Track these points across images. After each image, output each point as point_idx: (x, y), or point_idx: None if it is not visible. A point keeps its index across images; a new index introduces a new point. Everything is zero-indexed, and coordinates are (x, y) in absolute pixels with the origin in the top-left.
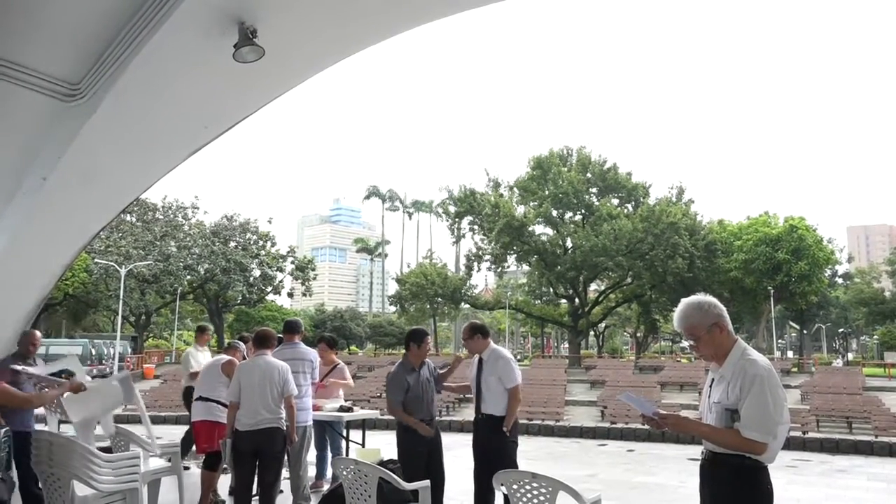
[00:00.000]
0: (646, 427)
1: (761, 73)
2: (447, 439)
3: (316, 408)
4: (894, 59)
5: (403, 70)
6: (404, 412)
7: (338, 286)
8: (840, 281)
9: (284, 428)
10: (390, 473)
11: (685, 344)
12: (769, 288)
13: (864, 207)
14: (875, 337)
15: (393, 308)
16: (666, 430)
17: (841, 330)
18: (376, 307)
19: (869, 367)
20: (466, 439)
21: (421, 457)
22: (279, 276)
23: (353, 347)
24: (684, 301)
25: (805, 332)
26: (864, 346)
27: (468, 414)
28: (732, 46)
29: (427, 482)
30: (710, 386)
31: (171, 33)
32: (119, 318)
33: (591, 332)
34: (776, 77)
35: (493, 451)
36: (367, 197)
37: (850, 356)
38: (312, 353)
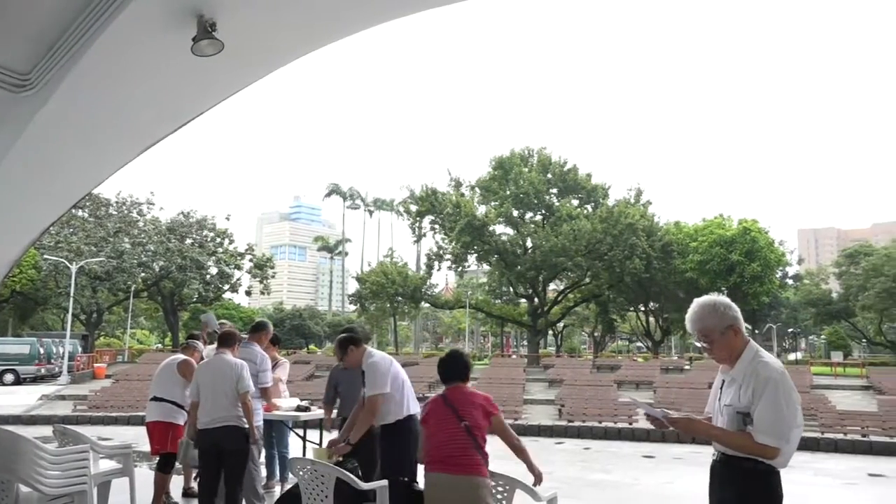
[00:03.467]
0: (601, 425)
1: (717, 78)
2: None
3: (272, 408)
4: (844, 69)
5: (366, 68)
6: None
7: (297, 284)
8: (790, 282)
9: (245, 425)
10: (348, 473)
11: (640, 344)
12: (723, 288)
13: (814, 211)
14: (822, 337)
15: (353, 307)
16: (670, 429)
17: (790, 330)
18: (336, 306)
19: (816, 365)
20: None
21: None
22: (237, 273)
23: (311, 346)
24: (698, 302)
25: (757, 331)
26: (812, 345)
27: None
28: (689, 52)
29: (385, 482)
30: (721, 388)
31: (126, 24)
32: (69, 316)
33: (550, 332)
34: (731, 82)
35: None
36: (328, 195)
37: (799, 355)
38: (257, 356)
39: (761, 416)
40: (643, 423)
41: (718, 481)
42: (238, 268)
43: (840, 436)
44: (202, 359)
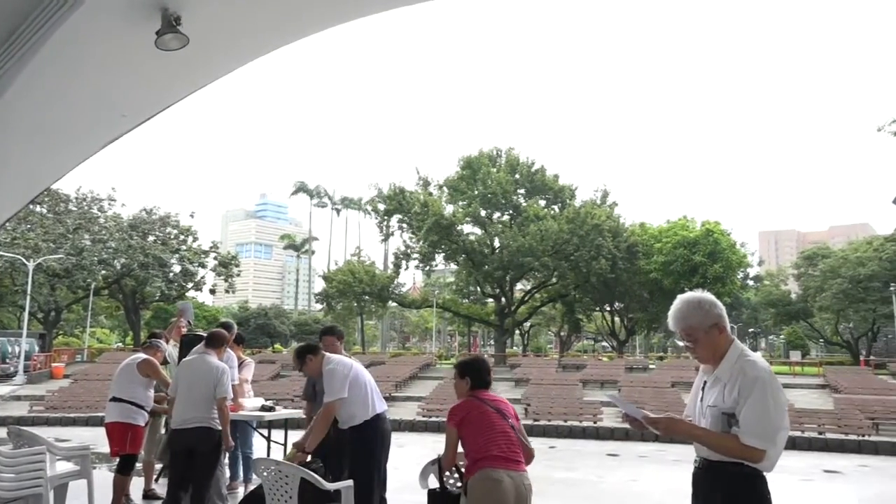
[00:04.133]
0: (567, 424)
1: (682, 82)
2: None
3: (237, 408)
4: (804, 77)
5: (334, 65)
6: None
7: (263, 283)
8: (751, 283)
9: (219, 428)
10: (312, 474)
11: (605, 343)
12: (686, 289)
13: (775, 214)
14: (781, 336)
15: (319, 306)
16: (649, 431)
17: (751, 330)
18: (302, 305)
19: (776, 365)
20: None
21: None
22: (201, 272)
23: (277, 346)
24: (682, 299)
25: None
26: (771, 345)
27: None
28: (654, 56)
29: (350, 482)
30: (703, 389)
31: (87, 16)
32: (26, 315)
33: (517, 331)
34: (695, 87)
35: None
36: (295, 192)
37: (759, 354)
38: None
39: (748, 417)
40: (608, 422)
41: (702, 489)
42: (202, 266)
43: (798, 433)
44: (165, 359)
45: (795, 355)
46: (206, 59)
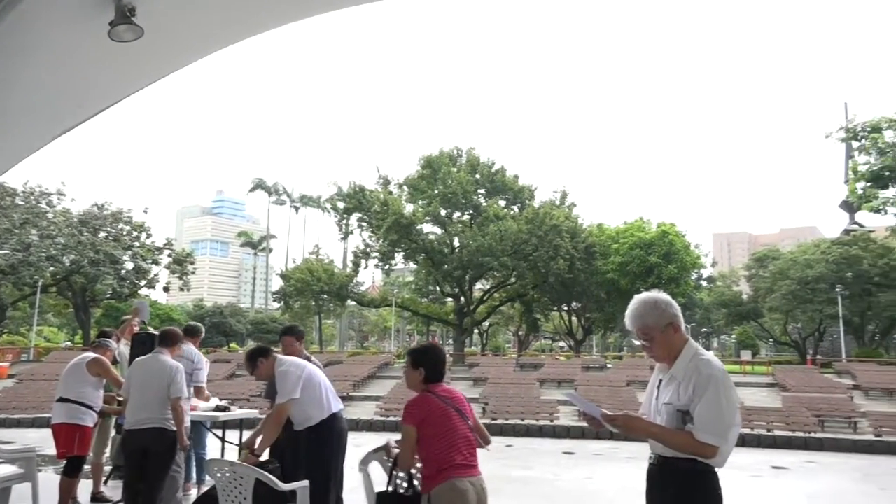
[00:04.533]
0: (524, 423)
1: (638, 86)
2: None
3: (192, 408)
4: (757, 82)
5: (294, 61)
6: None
7: (219, 281)
8: (704, 284)
9: (171, 429)
10: (267, 474)
11: (563, 343)
12: (642, 289)
13: (728, 217)
14: (733, 336)
15: (276, 304)
16: (606, 429)
17: (704, 329)
18: (259, 303)
19: (727, 364)
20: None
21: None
22: (154, 269)
23: (233, 345)
24: (638, 299)
25: None
26: (723, 344)
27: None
28: (611, 59)
29: (306, 483)
30: (658, 387)
31: (37, 3)
32: None
33: (476, 331)
34: (651, 91)
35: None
36: (253, 189)
37: (712, 353)
38: (194, 354)
39: (702, 414)
40: (564, 421)
41: (657, 485)
42: (156, 263)
43: (747, 431)
44: (115, 358)
45: (746, 355)
46: (162, 52)
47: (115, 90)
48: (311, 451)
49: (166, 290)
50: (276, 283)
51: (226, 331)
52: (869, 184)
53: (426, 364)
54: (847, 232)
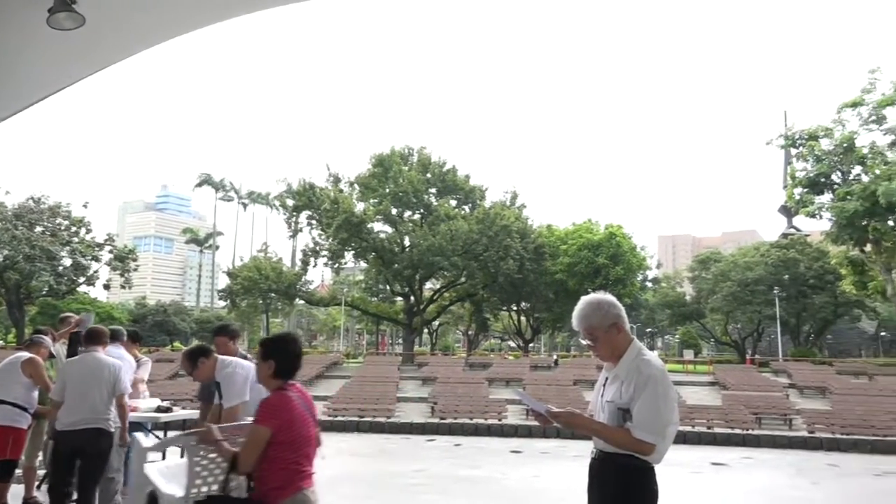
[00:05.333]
0: (472, 422)
1: (587, 92)
2: None
3: (131, 409)
4: (703, 91)
5: (245, 55)
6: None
7: (162, 278)
8: (649, 285)
9: (112, 429)
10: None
11: (512, 342)
12: (589, 290)
13: (674, 219)
14: (676, 336)
15: (223, 303)
16: (553, 426)
17: (649, 329)
18: (204, 302)
19: (670, 363)
20: None
21: None
22: (94, 265)
23: (176, 344)
24: (584, 300)
25: None
26: (667, 344)
27: None
28: (562, 62)
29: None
30: (604, 385)
31: None
32: None
33: (426, 330)
34: (601, 97)
35: None
36: (199, 185)
37: (656, 353)
38: (128, 357)
39: (640, 413)
40: (512, 420)
41: (597, 479)
42: (96, 259)
43: (689, 428)
44: (51, 355)
45: (688, 354)
46: (104, 41)
47: (54, 80)
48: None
49: (107, 287)
50: (223, 281)
51: (169, 329)
52: (806, 190)
53: (277, 356)
54: (785, 236)
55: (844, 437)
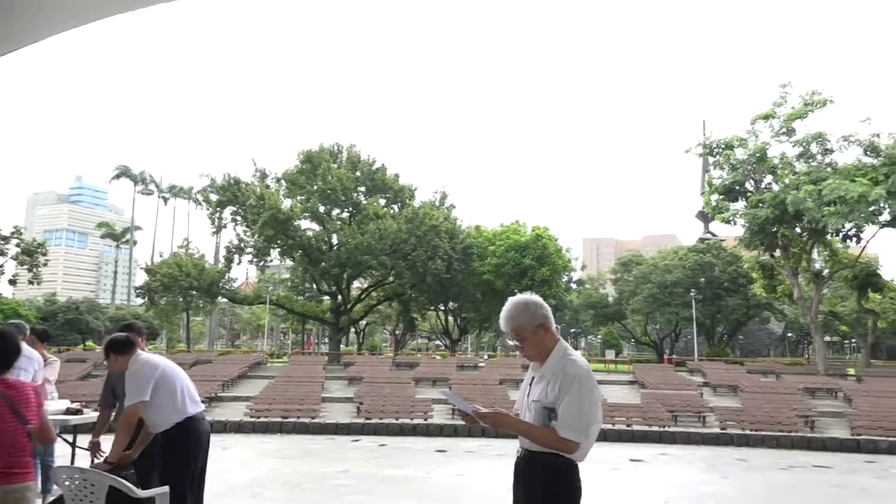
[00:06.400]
0: (398, 422)
1: (513, 96)
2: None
3: None
4: (626, 97)
5: (171, 43)
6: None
7: (75, 274)
8: (574, 286)
9: None
10: (122, 481)
11: (439, 342)
12: (516, 291)
13: (598, 222)
14: (599, 336)
15: (140, 300)
16: (479, 425)
17: (573, 330)
18: (121, 299)
19: (593, 362)
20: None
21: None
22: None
23: (89, 342)
24: (512, 301)
25: None
26: (590, 344)
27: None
28: (490, 66)
29: (166, 488)
30: (530, 384)
31: None
32: None
33: (353, 329)
34: (527, 102)
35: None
36: (117, 177)
37: (580, 353)
38: (36, 354)
39: (565, 412)
40: (438, 419)
41: (522, 477)
42: (1, 253)
43: (609, 426)
44: None
45: (610, 354)
46: (11, 25)
47: None
48: (166, 455)
49: (12, 282)
50: (141, 278)
51: (81, 328)
52: (722, 196)
53: None
54: (702, 240)
55: (753, 433)
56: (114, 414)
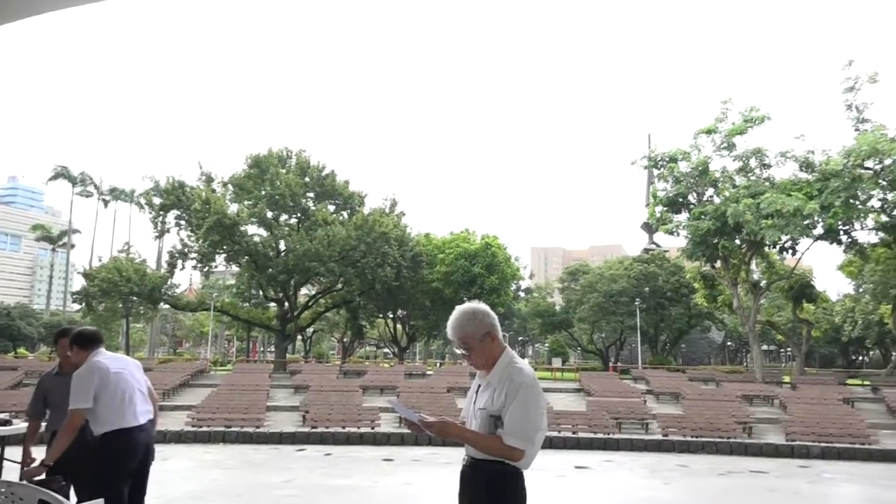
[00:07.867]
0: (344, 430)
1: (463, 105)
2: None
3: None
4: (572, 110)
5: (112, 39)
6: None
7: (7, 278)
8: (522, 295)
9: None
10: (53, 494)
11: (387, 350)
12: (465, 299)
13: (547, 232)
14: (546, 344)
15: (77, 306)
16: (426, 434)
17: (521, 338)
18: (56, 304)
19: (540, 370)
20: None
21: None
22: None
23: (21, 350)
24: (459, 309)
25: None
26: (537, 352)
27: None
28: (440, 75)
29: (100, 501)
30: (477, 392)
31: None
32: None
33: (299, 337)
34: (476, 111)
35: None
36: (53, 178)
37: (527, 361)
38: None
39: (510, 420)
40: (385, 427)
41: (468, 485)
42: None
43: (555, 433)
44: None
45: (557, 362)
46: None
47: None
48: (103, 466)
49: None
50: (79, 283)
51: (13, 334)
52: (665, 208)
53: None
54: (646, 251)
55: (694, 439)
56: (44, 425)
